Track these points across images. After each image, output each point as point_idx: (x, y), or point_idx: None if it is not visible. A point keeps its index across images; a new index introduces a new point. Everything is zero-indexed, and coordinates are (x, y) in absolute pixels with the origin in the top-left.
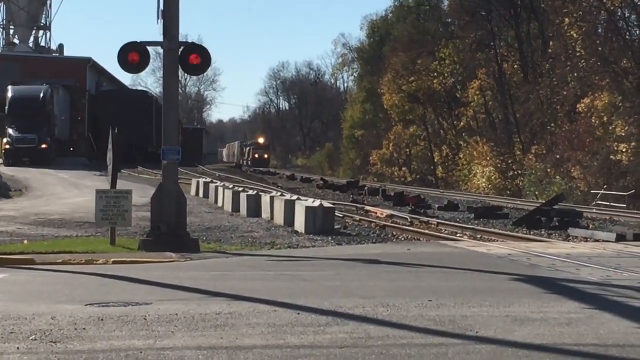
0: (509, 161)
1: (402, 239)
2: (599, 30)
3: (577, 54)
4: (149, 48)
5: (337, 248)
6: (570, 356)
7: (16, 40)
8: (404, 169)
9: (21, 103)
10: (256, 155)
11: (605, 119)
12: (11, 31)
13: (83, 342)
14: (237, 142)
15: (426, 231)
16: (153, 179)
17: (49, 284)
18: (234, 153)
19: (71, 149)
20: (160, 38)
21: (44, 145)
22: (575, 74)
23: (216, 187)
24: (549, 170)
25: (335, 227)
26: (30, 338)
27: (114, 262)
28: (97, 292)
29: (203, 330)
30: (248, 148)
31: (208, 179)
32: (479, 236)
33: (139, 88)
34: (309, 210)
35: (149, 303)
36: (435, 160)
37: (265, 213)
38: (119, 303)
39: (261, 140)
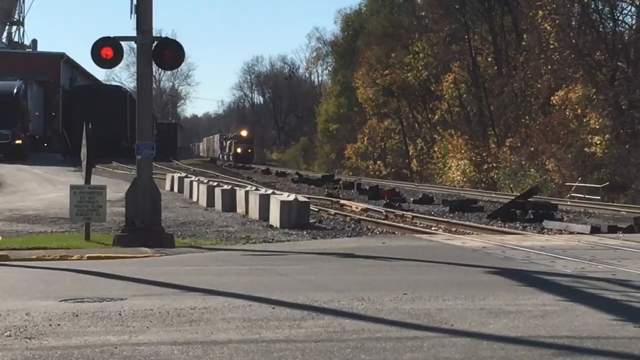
0: (484, 154)
1: (377, 232)
2: (573, 23)
3: (551, 46)
4: (123, 43)
5: (312, 242)
6: (545, 348)
7: None
8: (378, 162)
9: None
10: (239, 150)
11: (579, 111)
12: None
13: (58, 338)
14: (216, 136)
15: (401, 225)
16: (128, 174)
17: (23, 280)
18: (213, 148)
19: (45, 144)
20: (134, 33)
21: (18, 141)
22: (549, 67)
23: (191, 182)
24: (523, 163)
25: (311, 221)
26: (5, 334)
27: (89, 258)
28: (72, 288)
29: (178, 325)
30: (230, 142)
31: (183, 174)
32: (453, 229)
33: (113, 83)
34: (284, 204)
35: (123, 298)
36: (410, 153)
37: (240, 208)
38: (93, 299)
39: (244, 133)
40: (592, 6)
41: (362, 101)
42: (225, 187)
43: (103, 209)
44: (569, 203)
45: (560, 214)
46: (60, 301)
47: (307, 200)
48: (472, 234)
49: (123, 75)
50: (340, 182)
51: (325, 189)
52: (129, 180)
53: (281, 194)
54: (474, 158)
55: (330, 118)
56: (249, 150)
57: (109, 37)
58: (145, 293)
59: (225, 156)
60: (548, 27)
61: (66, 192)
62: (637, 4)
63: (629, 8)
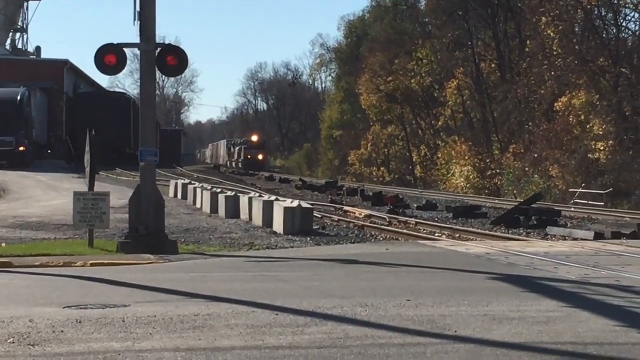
0: (487, 160)
1: (381, 239)
2: (576, 29)
3: (554, 52)
4: (126, 50)
5: (315, 248)
6: (548, 355)
7: None
8: (382, 169)
9: None
10: (249, 156)
11: (582, 117)
12: None
13: (61, 345)
14: (222, 142)
15: (405, 231)
16: (131, 180)
17: (26, 286)
18: (220, 154)
19: (49, 151)
20: (137, 40)
21: (21, 148)
22: (553, 73)
23: (194, 189)
24: (527, 169)
25: (314, 227)
26: (8, 341)
27: (92, 265)
28: (75, 294)
29: (181, 332)
30: (239, 147)
31: (186, 181)
32: (457, 235)
33: (117, 90)
34: (287, 210)
35: (127, 305)
36: (414, 160)
37: (243, 214)
38: (97, 305)
39: (255, 138)
40: (596, 12)
41: (365, 107)
42: (229, 193)
43: (106, 215)
44: (572, 209)
45: (563, 220)
46: (64, 308)
47: (310, 206)
48: (476, 240)
49: (127, 82)
50: (344, 188)
51: (329, 195)
52: (132, 187)
53: (284, 200)
54: (477, 164)
55: (334, 124)
56: (260, 157)
57: (112, 44)
58: (148, 299)
59: (233, 163)
60: (551, 33)
61: (70, 198)
62: None
63: (632, 14)
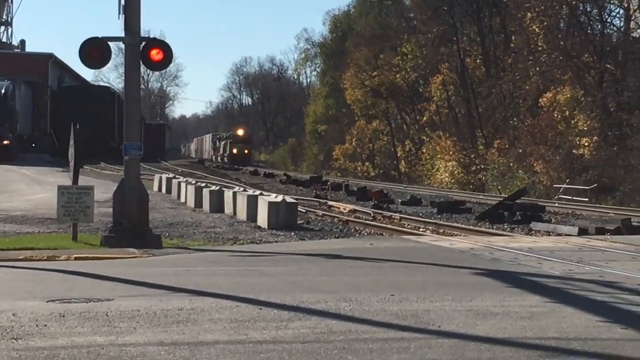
0: (472, 156)
1: (365, 233)
2: (561, 25)
3: (539, 48)
4: (111, 44)
5: (300, 243)
6: (532, 350)
7: None
8: (367, 164)
9: None
10: (235, 151)
11: (567, 113)
12: None
13: (44, 339)
14: (208, 136)
15: (389, 226)
16: (115, 174)
17: (10, 280)
18: (205, 148)
19: (33, 145)
20: (122, 34)
21: (5, 142)
22: (538, 69)
23: (179, 183)
24: (511, 164)
25: (298, 222)
26: None
27: (76, 259)
28: (59, 288)
29: (165, 326)
30: (224, 142)
31: (171, 175)
32: (441, 231)
33: (102, 84)
34: (271, 205)
35: (111, 299)
36: (399, 155)
37: (228, 209)
38: (80, 299)
39: (241, 132)
40: (581, 8)
41: (350, 102)
42: (213, 188)
43: (91, 209)
44: (556, 205)
45: (548, 216)
46: (47, 302)
47: (295, 201)
48: (460, 235)
49: (111, 76)
50: (329, 183)
51: (313, 190)
52: (116, 181)
53: (269, 195)
54: (462, 159)
55: (319, 119)
56: (246, 151)
57: (97, 38)
58: (132, 294)
59: (219, 157)
60: (536, 29)
61: (54, 192)
62: (625, 6)
63: (617, 10)
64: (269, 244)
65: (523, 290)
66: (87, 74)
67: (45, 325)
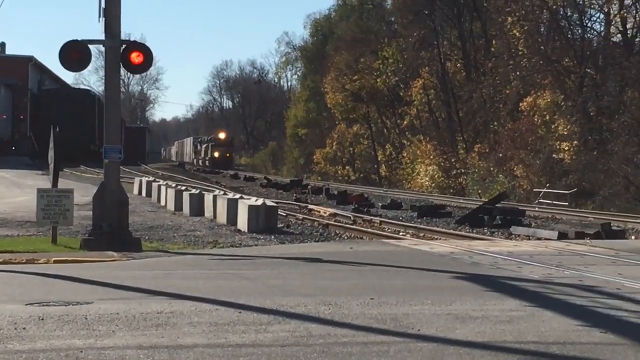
0: (452, 160)
1: (345, 237)
2: (542, 29)
3: (520, 52)
4: (91, 46)
5: (279, 247)
6: (511, 354)
7: None
8: (347, 167)
9: None
10: (216, 154)
11: (547, 117)
12: None
13: (23, 342)
14: (189, 139)
15: (369, 230)
16: (96, 177)
17: None
18: (186, 152)
19: (13, 148)
20: (102, 36)
21: None
22: (518, 73)
23: (159, 186)
24: (491, 168)
25: (279, 226)
26: None
27: (56, 262)
28: (38, 291)
29: (144, 330)
30: (206, 145)
31: (151, 178)
32: (421, 235)
33: (82, 87)
34: (252, 209)
35: (90, 302)
36: (379, 159)
37: (208, 212)
38: (59, 302)
39: (222, 135)
40: (561, 13)
41: (331, 106)
42: (194, 191)
43: (70, 212)
44: (536, 209)
45: (528, 220)
46: (26, 305)
47: (275, 205)
48: (440, 239)
49: (92, 79)
50: (309, 187)
51: (294, 193)
52: (96, 184)
53: (249, 199)
54: (442, 164)
55: (299, 123)
56: (228, 155)
57: (77, 40)
58: (111, 297)
59: (200, 161)
60: (517, 34)
61: (33, 195)
62: (606, 10)
63: (597, 15)
64: (248, 248)
65: (502, 294)
66: (68, 77)
67: (24, 329)
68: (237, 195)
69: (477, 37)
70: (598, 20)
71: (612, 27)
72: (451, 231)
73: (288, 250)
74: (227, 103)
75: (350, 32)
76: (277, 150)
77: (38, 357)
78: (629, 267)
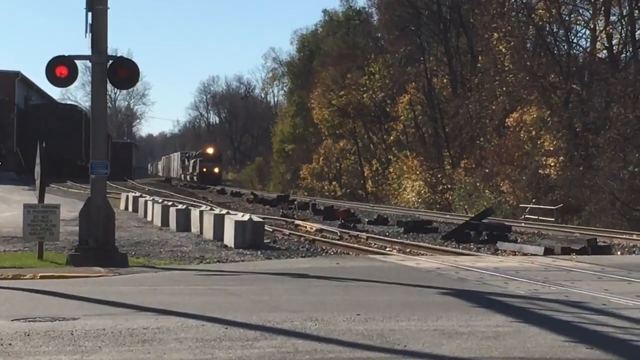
0: (439, 175)
1: (332, 253)
2: (528, 45)
3: (506, 68)
4: (78, 62)
5: (266, 262)
6: None
7: None
8: (334, 183)
9: None
10: (204, 170)
11: (533, 133)
12: None
13: (9, 358)
14: (176, 154)
15: (355, 245)
16: (82, 193)
17: None
18: (173, 167)
19: None
20: (89, 52)
21: None
22: (504, 89)
23: (145, 202)
24: (478, 184)
25: (265, 241)
26: None
27: (42, 277)
28: (24, 307)
29: (130, 345)
30: (194, 160)
31: (138, 194)
32: (408, 250)
33: (69, 102)
34: (238, 224)
35: (76, 318)
36: (366, 174)
37: (194, 227)
38: (46, 318)
39: (211, 150)
40: (547, 29)
41: (317, 122)
42: (180, 206)
43: (56, 228)
44: (523, 224)
45: (514, 236)
46: (12, 320)
47: (261, 220)
48: (426, 255)
49: (78, 94)
50: (295, 202)
51: (280, 209)
52: (83, 200)
53: (236, 214)
54: (429, 179)
55: (286, 138)
56: (216, 170)
57: (63, 56)
58: (97, 313)
59: (187, 176)
60: (503, 50)
61: (20, 211)
62: (592, 27)
63: (583, 31)
64: (235, 263)
65: (489, 310)
66: (54, 92)
67: (10, 344)
68: (224, 211)
69: (464, 53)
70: (584, 36)
71: (597, 43)
72: (437, 247)
73: (274, 265)
74: (214, 118)
75: (337, 47)
76: (264, 165)
77: None
78: (615, 282)
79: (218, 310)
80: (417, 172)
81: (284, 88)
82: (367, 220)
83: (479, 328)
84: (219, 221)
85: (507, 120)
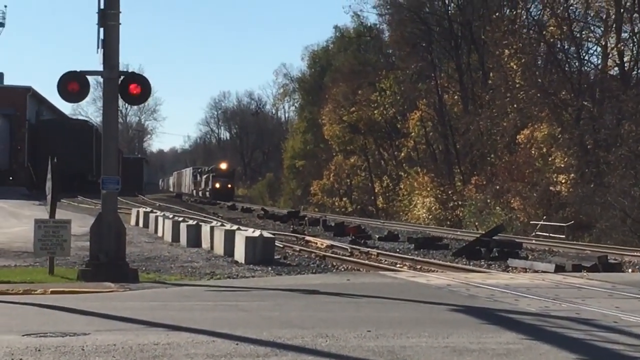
0: (449, 192)
1: (342, 269)
2: (539, 62)
3: (517, 85)
4: (90, 77)
5: (276, 278)
6: None
7: None
8: (344, 199)
9: None
10: (217, 185)
11: (544, 150)
12: None
13: None
14: (188, 170)
15: (366, 262)
16: (93, 208)
17: None
18: (185, 182)
19: (10, 178)
20: (100, 67)
21: None
22: (515, 105)
23: (156, 217)
24: (489, 201)
25: (276, 257)
26: None
27: (53, 292)
28: (35, 322)
29: None
30: (206, 176)
31: (148, 209)
32: (418, 267)
33: (80, 117)
34: (249, 240)
35: (87, 333)
36: (376, 190)
37: (205, 243)
38: (56, 333)
39: (224, 166)
40: (559, 46)
41: (328, 138)
42: (191, 222)
43: (67, 243)
44: (533, 241)
45: (524, 253)
46: (23, 335)
47: (272, 236)
48: (437, 271)
49: (89, 110)
50: (306, 218)
51: (291, 225)
52: (94, 215)
53: (246, 230)
54: (439, 196)
55: (297, 154)
56: (229, 186)
57: (75, 72)
58: (108, 328)
59: (200, 192)
60: (514, 66)
61: (31, 226)
62: (603, 44)
63: (594, 48)
64: (245, 279)
65: (499, 327)
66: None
67: (21, 359)
68: (235, 227)
69: (475, 69)
70: (595, 53)
71: (609, 60)
72: (448, 263)
73: (285, 281)
74: (225, 134)
75: (348, 64)
76: (275, 181)
77: None
78: (626, 300)
79: (228, 326)
80: (428, 189)
81: (295, 104)
82: (377, 236)
83: (489, 345)
84: (229, 237)
85: (518, 137)
